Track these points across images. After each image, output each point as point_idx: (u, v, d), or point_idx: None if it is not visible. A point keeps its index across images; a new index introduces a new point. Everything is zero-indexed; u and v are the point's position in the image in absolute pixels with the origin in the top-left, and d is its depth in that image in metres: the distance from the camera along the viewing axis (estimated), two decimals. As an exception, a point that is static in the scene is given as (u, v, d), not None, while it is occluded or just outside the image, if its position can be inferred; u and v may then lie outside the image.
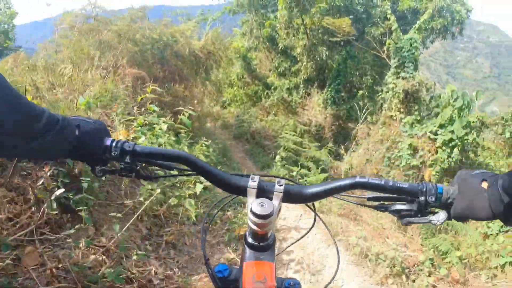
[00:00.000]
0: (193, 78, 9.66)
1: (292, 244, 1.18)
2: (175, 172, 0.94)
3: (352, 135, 11.70)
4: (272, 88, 14.46)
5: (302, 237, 1.08)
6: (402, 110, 9.25)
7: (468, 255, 4.74)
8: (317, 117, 13.54)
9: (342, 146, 11.27)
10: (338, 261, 0.99)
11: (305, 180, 7.69)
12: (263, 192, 0.79)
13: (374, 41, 13.87)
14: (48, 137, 0.72)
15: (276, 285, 0.70)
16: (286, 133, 9.77)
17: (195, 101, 9.24)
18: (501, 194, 0.65)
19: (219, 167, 5.51)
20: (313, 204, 0.93)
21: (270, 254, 0.77)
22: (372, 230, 5.52)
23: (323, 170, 8.76)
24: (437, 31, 13.93)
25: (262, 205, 0.73)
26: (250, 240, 0.78)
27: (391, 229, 5.21)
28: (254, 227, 0.74)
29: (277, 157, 8.24)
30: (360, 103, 14.28)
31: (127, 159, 0.83)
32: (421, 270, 4.10)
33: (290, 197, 0.79)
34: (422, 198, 0.75)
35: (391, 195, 0.79)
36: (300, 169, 7.60)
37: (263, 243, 0.77)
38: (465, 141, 7.69)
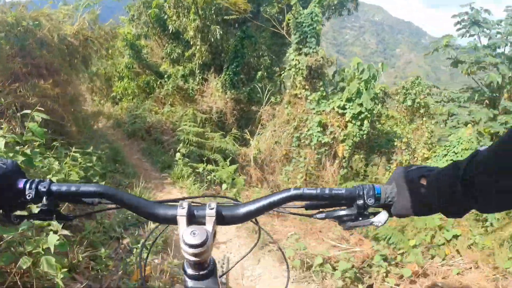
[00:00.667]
0: (66, 72, 7.99)
1: (237, 262, 1.13)
2: (98, 207, 0.84)
3: (257, 118, 11.03)
4: (166, 77, 12.98)
5: (246, 255, 1.11)
6: (307, 87, 8.73)
7: (423, 242, 4.31)
8: (217, 103, 12.56)
9: (247, 131, 10.52)
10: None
11: (214, 176, 6.74)
12: (194, 218, 0.75)
13: (272, 19, 13.30)
14: None
15: None
16: (185, 124, 8.65)
17: (75, 99, 7.67)
18: (440, 190, 0.65)
19: (108, 177, 4.46)
20: (257, 220, 0.91)
21: (213, 280, 0.74)
22: (300, 223, 4.83)
23: (232, 161, 7.89)
24: (333, 7, 13.83)
25: (194, 234, 0.69)
26: (189, 270, 0.74)
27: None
28: (191, 258, 0.70)
29: (178, 155, 7.11)
30: (260, 84, 13.74)
31: (44, 200, 0.76)
32: (378, 271, 3.50)
33: (224, 219, 0.76)
34: (360, 202, 0.74)
35: (328, 202, 0.79)
36: (206, 165, 6.62)
37: (204, 271, 0.74)
38: (373, 113, 7.43)
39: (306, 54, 8.79)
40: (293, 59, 9.02)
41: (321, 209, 0.82)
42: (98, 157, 5.37)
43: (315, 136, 8.01)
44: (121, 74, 13.83)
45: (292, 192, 0.76)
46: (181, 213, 0.74)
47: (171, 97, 11.90)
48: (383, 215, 0.75)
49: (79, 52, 8.22)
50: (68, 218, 0.83)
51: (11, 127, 4.21)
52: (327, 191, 0.75)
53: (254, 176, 8.62)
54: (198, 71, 13.79)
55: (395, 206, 0.73)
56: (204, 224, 0.73)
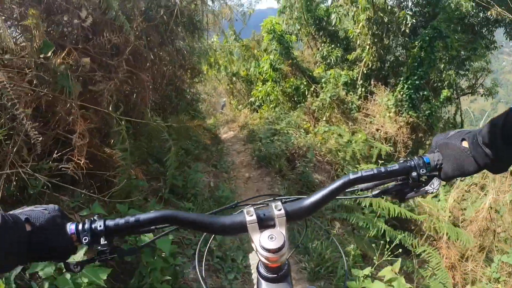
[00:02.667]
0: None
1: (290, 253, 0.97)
2: (157, 233, 0.83)
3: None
4: (323, 81, 9.76)
5: (298, 245, 1.40)
6: None
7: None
8: (385, 126, 9.06)
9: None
10: None
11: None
12: (265, 222, 0.73)
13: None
14: None
15: None
16: (353, 160, 5.41)
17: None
18: (483, 149, 0.71)
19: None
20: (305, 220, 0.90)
21: (287, 282, 0.73)
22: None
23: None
24: None
25: (272, 238, 0.68)
26: (264, 272, 0.73)
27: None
28: (269, 262, 0.69)
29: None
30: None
31: (102, 240, 0.68)
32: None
33: (293, 216, 0.74)
34: (414, 173, 0.77)
35: (383, 180, 0.80)
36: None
37: (279, 273, 0.72)
38: None
39: None
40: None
41: (374, 188, 0.82)
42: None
43: None
44: (264, 76, 11.31)
45: (352, 176, 0.77)
46: (250, 220, 0.72)
47: (328, 110, 8.67)
48: (435, 182, 0.78)
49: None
50: (134, 252, 0.78)
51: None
52: (382, 169, 0.77)
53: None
54: (361, 81, 10.50)
55: (444, 171, 0.78)
56: (274, 225, 0.72)
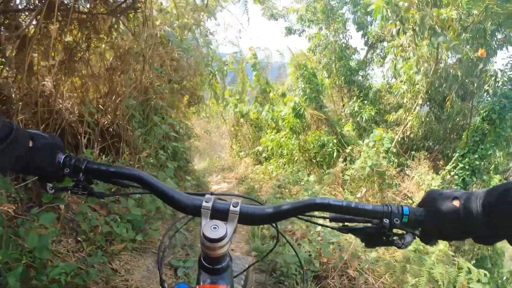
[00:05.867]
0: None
1: (250, 266, 1.16)
2: (129, 190, 0.89)
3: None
4: (356, 145, 7.56)
5: (263, 257, 1.19)
6: None
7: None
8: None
9: None
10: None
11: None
12: (218, 213, 0.75)
13: None
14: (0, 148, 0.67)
15: None
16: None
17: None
18: (476, 212, 0.61)
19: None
20: (276, 224, 0.86)
21: (226, 277, 0.75)
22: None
23: None
24: None
25: (214, 228, 0.70)
26: (204, 263, 0.75)
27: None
28: (206, 251, 0.72)
29: None
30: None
31: (80, 176, 0.82)
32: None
33: (246, 218, 0.76)
34: (386, 221, 0.70)
35: (354, 217, 0.75)
36: None
37: (218, 266, 0.75)
38: None
39: None
40: None
41: (345, 223, 0.77)
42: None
43: None
44: (280, 123, 9.17)
45: (317, 201, 0.74)
46: (205, 206, 0.74)
47: (366, 184, 6.24)
48: (408, 238, 0.71)
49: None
50: (101, 196, 0.88)
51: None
52: (353, 205, 0.73)
53: None
54: (394, 149, 8.35)
55: (424, 229, 0.70)
56: (226, 220, 0.73)
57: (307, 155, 7.97)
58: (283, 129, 8.93)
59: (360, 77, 10.75)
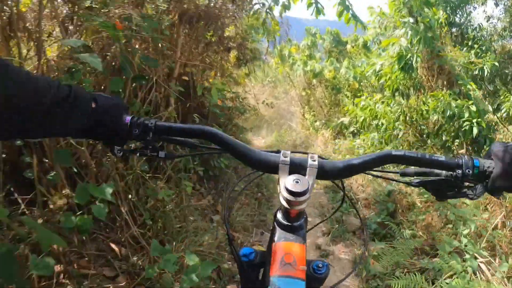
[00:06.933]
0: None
1: (321, 222, 1.12)
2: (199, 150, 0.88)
3: None
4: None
5: (332, 214, 1.13)
6: None
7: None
8: None
9: None
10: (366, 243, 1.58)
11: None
12: (296, 168, 0.73)
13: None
14: (59, 110, 0.64)
15: (305, 270, 0.66)
16: None
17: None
18: None
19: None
20: (342, 183, 0.90)
21: (302, 234, 0.72)
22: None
23: None
24: None
25: (297, 182, 0.68)
26: (281, 219, 0.73)
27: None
28: (288, 206, 0.69)
29: None
30: None
31: (150, 136, 0.77)
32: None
33: (324, 172, 0.74)
34: (459, 171, 0.71)
35: (425, 170, 0.77)
36: None
37: (295, 223, 0.72)
38: None
39: None
40: None
41: (415, 176, 0.79)
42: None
43: None
44: (366, 81, 6.43)
45: (394, 152, 0.74)
46: (284, 161, 0.73)
47: None
48: (479, 188, 0.72)
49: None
50: (173, 156, 0.92)
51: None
52: (427, 156, 0.73)
53: None
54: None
55: (493, 179, 0.70)
56: (304, 174, 0.72)
57: (416, 129, 5.16)
58: (367, 90, 6.17)
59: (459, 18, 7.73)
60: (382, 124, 5.52)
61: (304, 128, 9.95)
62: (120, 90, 2.23)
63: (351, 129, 6.04)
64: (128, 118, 0.75)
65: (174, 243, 2.46)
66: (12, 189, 1.85)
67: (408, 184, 0.79)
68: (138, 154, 0.79)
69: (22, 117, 0.60)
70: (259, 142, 10.54)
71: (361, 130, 6.14)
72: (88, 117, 0.69)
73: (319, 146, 8.27)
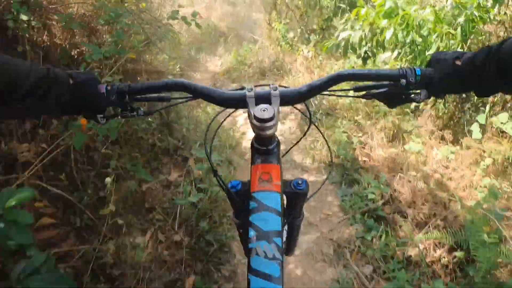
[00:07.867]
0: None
1: (291, 148, 1.19)
2: (174, 101, 0.93)
3: None
4: None
5: (300, 140, 1.15)
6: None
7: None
8: None
9: None
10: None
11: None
12: (261, 99, 0.80)
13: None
14: (40, 90, 0.69)
15: (280, 184, 0.74)
16: None
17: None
18: (474, 72, 0.69)
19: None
20: (307, 106, 0.97)
21: (275, 157, 0.81)
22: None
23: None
24: None
25: (264, 110, 0.75)
26: (256, 145, 0.82)
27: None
28: (259, 132, 0.76)
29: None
30: None
31: (126, 99, 0.82)
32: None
33: (286, 99, 0.81)
34: (403, 81, 0.78)
35: (375, 83, 0.84)
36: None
37: (268, 146, 0.81)
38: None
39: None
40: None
41: (366, 90, 0.85)
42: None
43: None
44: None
45: (343, 72, 0.80)
46: (250, 95, 0.79)
47: None
48: (423, 93, 0.79)
49: None
50: (151, 112, 0.93)
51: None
52: (374, 71, 0.79)
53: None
54: None
55: (433, 85, 0.77)
56: (270, 104, 0.77)
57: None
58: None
59: None
60: (425, 40, 3.06)
61: (273, 42, 7.28)
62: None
63: (364, 49, 3.58)
64: (103, 87, 0.80)
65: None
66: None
67: (362, 97, 0.86)
68: (119, 117, 0.86)
69: (4, 100, 0.65)
70: (215, 63, 7.92)
71: (380, 51, 3.68)
72: (69, 93, 0.74)
73: (301, 73, 5.78)
